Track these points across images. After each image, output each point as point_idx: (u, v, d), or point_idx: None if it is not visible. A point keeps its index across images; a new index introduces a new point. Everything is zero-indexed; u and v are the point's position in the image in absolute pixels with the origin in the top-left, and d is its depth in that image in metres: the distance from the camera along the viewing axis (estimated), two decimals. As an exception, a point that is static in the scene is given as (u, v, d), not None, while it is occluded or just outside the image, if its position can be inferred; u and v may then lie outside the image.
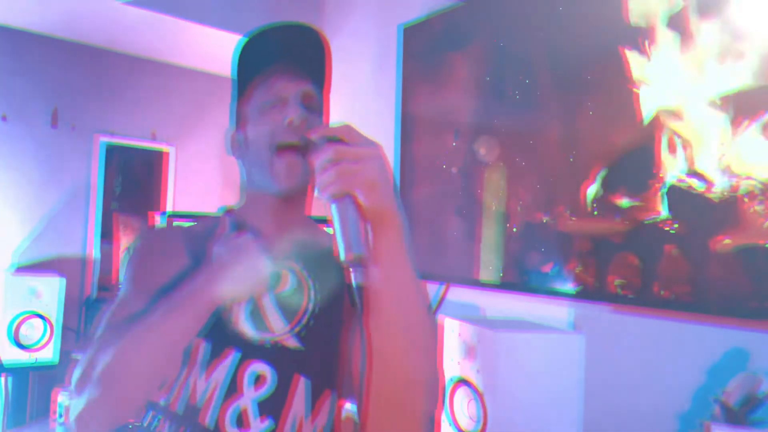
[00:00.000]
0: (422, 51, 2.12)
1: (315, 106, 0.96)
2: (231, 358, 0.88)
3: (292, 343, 0.89)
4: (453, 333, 1.51)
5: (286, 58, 0.95)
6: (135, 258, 0.99)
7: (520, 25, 1.78)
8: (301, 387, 0.88)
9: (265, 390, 0.87)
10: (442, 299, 2.03)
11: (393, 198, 0.74)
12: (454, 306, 2.00)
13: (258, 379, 0.87)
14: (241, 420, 0.86)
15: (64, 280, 2.41)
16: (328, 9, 2.73)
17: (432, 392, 0.81)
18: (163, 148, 3.00)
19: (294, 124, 0.90)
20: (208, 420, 0.86)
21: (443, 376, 1.49)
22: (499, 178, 1.81)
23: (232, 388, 0.87)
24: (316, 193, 0.74)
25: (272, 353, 0.88)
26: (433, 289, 2.08)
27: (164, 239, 1.02)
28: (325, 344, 0.91)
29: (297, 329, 0.90)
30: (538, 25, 1.72)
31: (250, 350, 0.88)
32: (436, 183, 2.02)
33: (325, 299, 0.93)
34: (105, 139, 2.83)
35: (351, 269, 0.70)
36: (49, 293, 2.36)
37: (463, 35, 1.96)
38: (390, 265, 0.74)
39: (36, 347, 2.31)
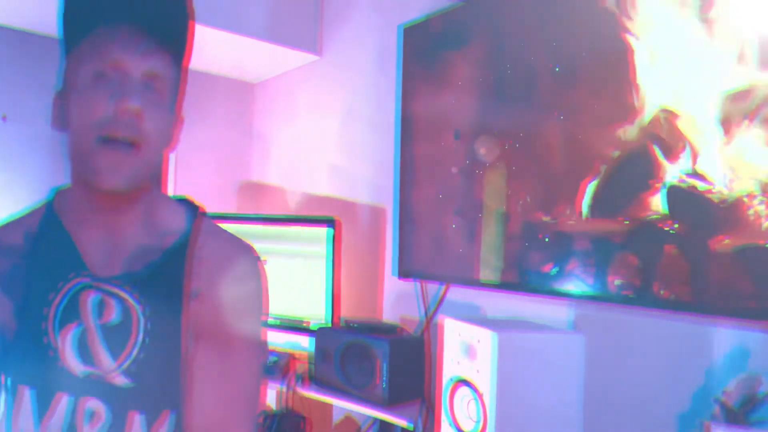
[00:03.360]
0: (422, 51, 2.11)
1: (163, 88, 0.77)
2: (63, 403, 0.78)
3: (121, 380, 0.79)
4: (453, 333, 1.51)
5: (131, 17, 0.74)
6: None
7: (520, 25, 1.77)
8: (137, 423, 0.79)
9: (100, 427, 0.79)
10: (442, 299, 2.03)
11: None
12: (454, 306, 2.00)
13: (93, 416, 0.79)
14: None
15: (64, 280, 2.41)
16: (328, 9, 2.73)
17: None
18: (163, 148, 3.00)
19: (130, 114, 0.73)
20: None
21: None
22: (499, 178, 1.81)
23: (71, 430, 0.79)
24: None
25: (103, 390, 0.79)
26: (433, 289, 2.08)
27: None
28: (160, 375, 0.80)
29: (126, 365, 0.79)
30: (538, 25, 1.72)
31: (82, 389, 0.79)
32: (436, 183, 2.02)
33: (159, 324, 0.80)
34: (105, 139, 2.82)
35: None
36: (49, 293, 2.35)
37: (463, 35, 1.95)
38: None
39: (36, 347, 2.31)
